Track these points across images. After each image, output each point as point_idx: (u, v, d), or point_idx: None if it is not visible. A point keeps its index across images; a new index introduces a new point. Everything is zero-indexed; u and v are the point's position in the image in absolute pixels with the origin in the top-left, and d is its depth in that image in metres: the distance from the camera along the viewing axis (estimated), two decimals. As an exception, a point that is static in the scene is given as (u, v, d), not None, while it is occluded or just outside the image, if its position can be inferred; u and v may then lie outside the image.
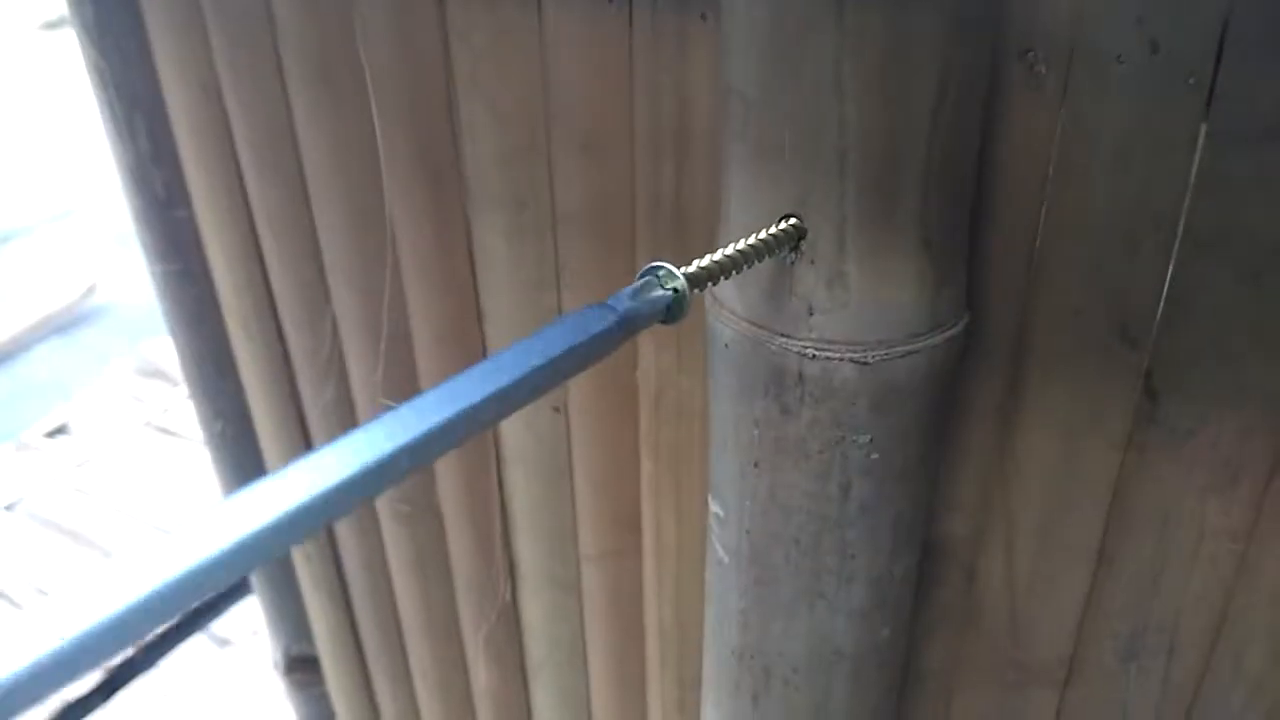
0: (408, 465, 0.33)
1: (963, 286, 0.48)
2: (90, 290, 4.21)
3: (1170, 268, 0.46)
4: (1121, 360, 0.49)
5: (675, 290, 0.39)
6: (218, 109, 0.76)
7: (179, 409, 3.23)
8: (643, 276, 0.40)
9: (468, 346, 0.73)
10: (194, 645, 2.39)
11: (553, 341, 0.37)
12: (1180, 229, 0.45)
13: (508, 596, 0.86)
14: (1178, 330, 0.47)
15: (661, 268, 0.40)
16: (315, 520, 0.31)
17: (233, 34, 0.71)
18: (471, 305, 0.71)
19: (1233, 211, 0.44)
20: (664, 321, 0.40)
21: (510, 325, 0.70)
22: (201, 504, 2.71)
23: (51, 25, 7.25)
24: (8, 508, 2.84)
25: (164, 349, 3.41)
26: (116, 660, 2.32)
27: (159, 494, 2.88)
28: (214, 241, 0.84)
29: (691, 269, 0.40)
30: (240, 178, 0.79)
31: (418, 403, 0.34)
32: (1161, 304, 0.47)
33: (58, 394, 3.51)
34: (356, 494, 0.32)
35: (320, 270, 0.78)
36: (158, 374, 3.49)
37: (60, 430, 3.26)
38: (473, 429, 0.35)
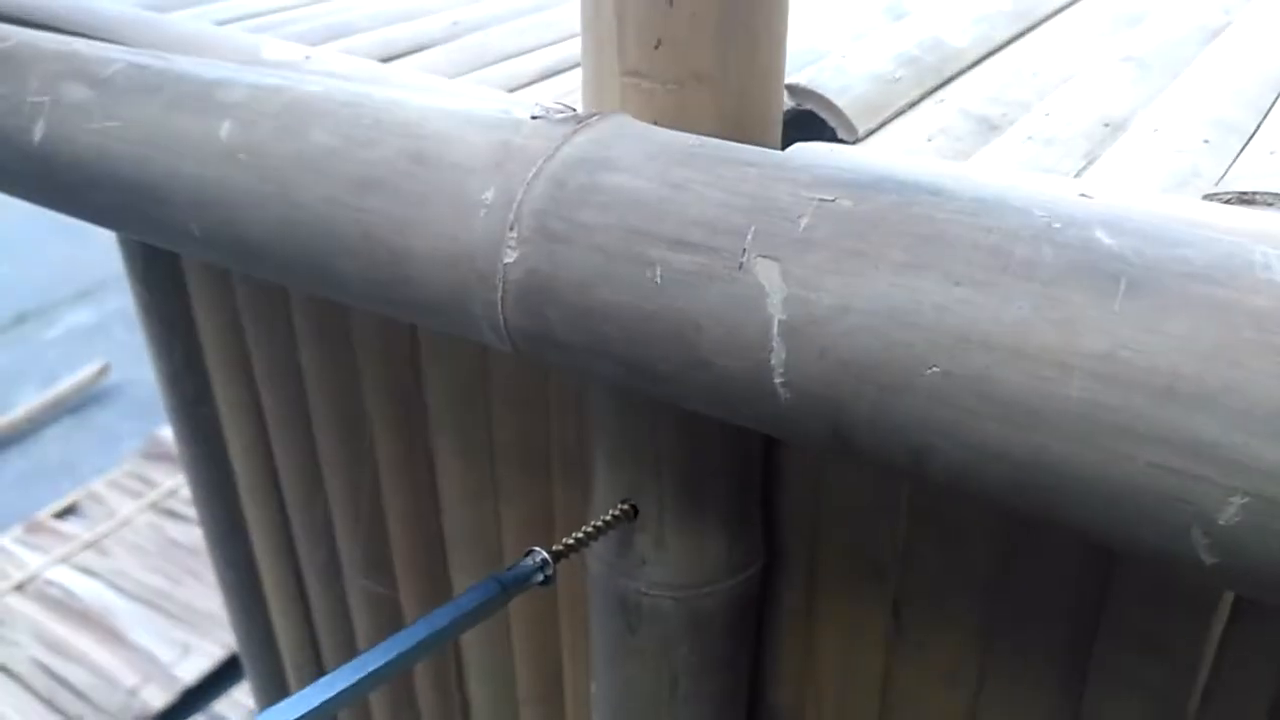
0: (370, 688, 0.53)
1: (757, 543, 0.68)
2: (103, 371, 4.32)
3: (900, 533, 0.67)
4: (876, 591, 0.70)
5: (545, 567, 0.60)
6: (239, 339, 0.98)
7: (185, 492, 3.32)
8: (524, 557, 0.61)
9: (428, 531, 0.94)
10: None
11: (462, 605, 0.57)
12: (903, 508, 0.66)
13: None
14: (910, 574, 0.68)
15: (535, 551, 0.61)
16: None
17: (253, 293, 0.93)
18: (431, 500, 0.92)
19: (935, 498, 0.65)
20: (541, 585, 0.61)
21: (461, 518, 0.91)
22: (202, 586, 2.85)
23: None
24: (18, 587, 2.92)
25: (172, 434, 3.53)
26: (125, 739, 2.46)
27: (164, 574, 2.97)
28: (232, 433, 1.06)
29: (555, 549, 0.61)
30: (255, 390, 1.00)
31: (380, 648, 0.54)
32: (898, 556, 0.68)
33: (69, 475, 3.63)
34: (350, 699, 0.52)
35: (316, 465, 0.99)
36: (166, 457, 3.56)
37: (71, 511, 3.34)
38: (414, 662, 0.55)
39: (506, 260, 0.46)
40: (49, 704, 2.55)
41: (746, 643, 0.72)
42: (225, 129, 0.54)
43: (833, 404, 0.40)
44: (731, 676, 0.71)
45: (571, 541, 0.62)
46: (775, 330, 0.40)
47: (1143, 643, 0.61)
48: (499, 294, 0.47)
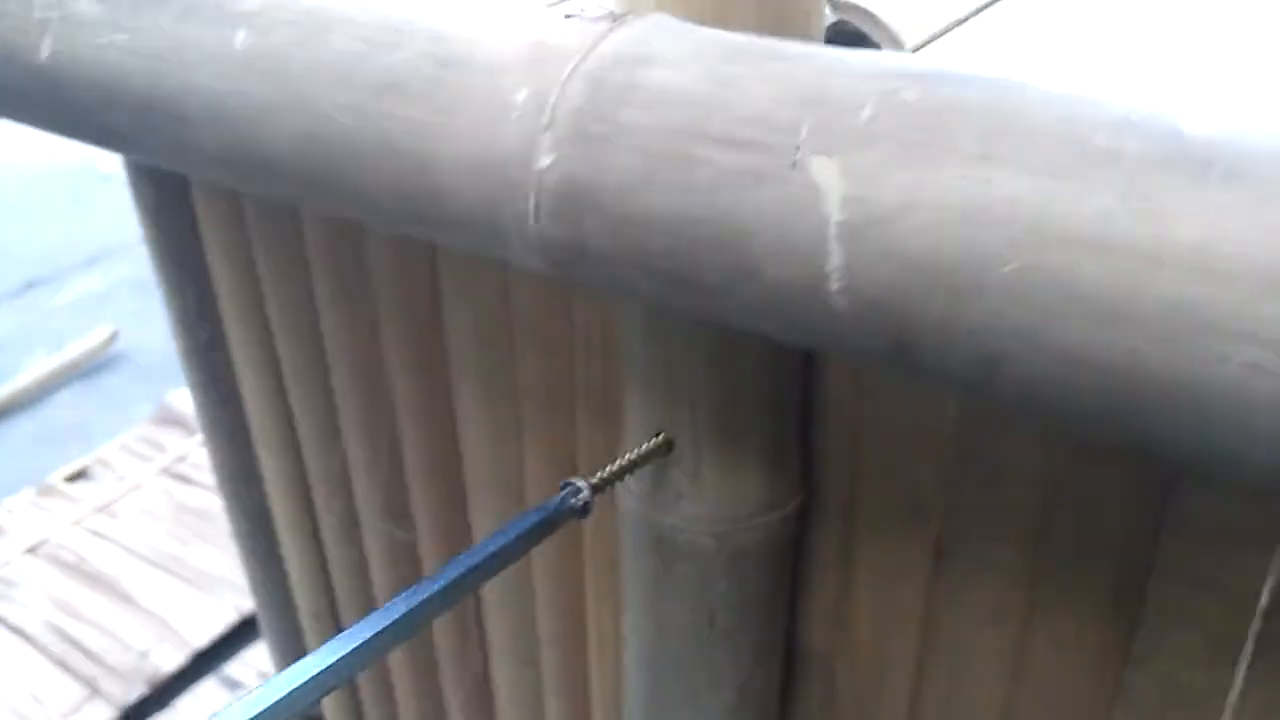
0: (411, 630, 0.51)
1: (794, 477, 0.66)
2: (112, 338, 4.33)
3: (943, 471, 0.64)
4: (917, 530, 0.67)
5: (584, 498, 0.58)
6: (253, 281, 0.95)
7: (195, 457, 3.33)
8: (563, 488, 0.58)
9: (449, 476, 0.92)
10: (205, 687, 2.52)
11: (502, 538, 0.55)
12: (947, 445, 0.64)
13: (480, 669, 1.04)
14: (953, 512, 0.65)
15: (573, 483, 0.58)
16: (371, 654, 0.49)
17: (268, 231, 0.90)
18: (453, 448, 0.90)
19: (981, 435, 0.62)
20: (579, 518, 0.59)
21: (484, 465, 0.89)
22: (213, 550, 2.86)
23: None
24: (30, 550, 2.93)
25: (182, 398, 3.54)
26: (132, 699, 2.46)
27: (175, 538, 2.98)
28: (246, 379, 1.03)
29: (593, 480, 0.59)
30: (270, 333, 0.98)
31: (411, 591, 0.51)
32: (940, 494, 0.65)
33: (79, 439, 3.64)
34: (381, 648, 0.50)
35: (333, 410, 0.97)
36: (176, 422, 3.57)
37: (82, 475, 3.34)
38: (458, 598, 0.53)
39: (541, 165, 0.43)
40: (61, 665, 2.56)
41: (784, 582, 0.70)
42: (240, 38, 0.52)
43: (896, 312, 0.38)
44: (769, 616, 0.69)
45: (608, 474, 0.59)
46: (832, 232, 0.38)
47: (1198, 578, 0.59)
48: (532, 203, 0.44)
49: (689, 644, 0.69)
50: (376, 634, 0.48)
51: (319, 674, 0.47)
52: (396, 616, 0.49)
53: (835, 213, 0.37)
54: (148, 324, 4.37)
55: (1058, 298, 0.35)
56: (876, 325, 0.38)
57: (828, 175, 0.37)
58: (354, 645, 0.48)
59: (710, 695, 0.70)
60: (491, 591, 0.98)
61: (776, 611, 0.71)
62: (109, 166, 4.75)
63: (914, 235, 0.36)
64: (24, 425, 3.84)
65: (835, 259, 0.38)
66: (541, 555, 0.91)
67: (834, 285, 0.38)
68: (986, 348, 0.37)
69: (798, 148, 0.38)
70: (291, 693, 0.45)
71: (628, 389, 0.65)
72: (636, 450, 0.61)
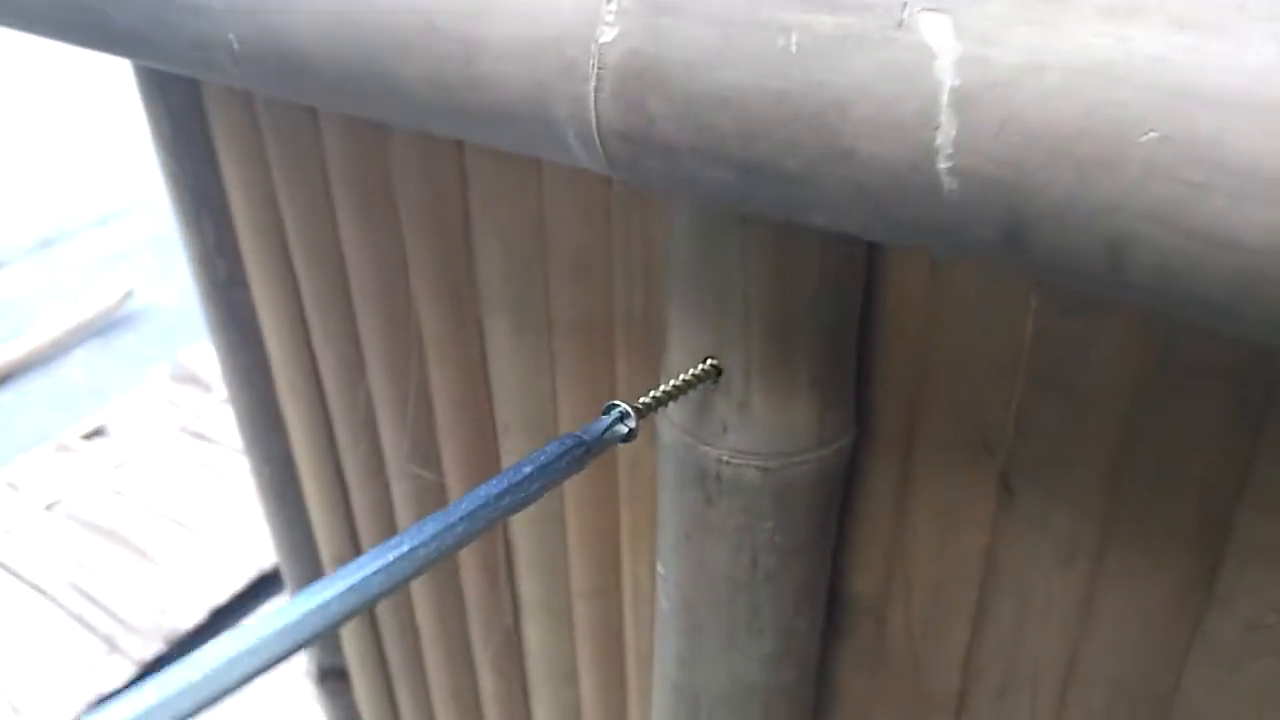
0: (428, 560, 0.47)
1: (849, 411, 0.62)
2: (128, 296, 4.32)
3: (1015, 398, 0.60)
4: (983, 464, 0.63)
5: (628, 420, 0.54)
6: (273, 214, 0.91)
7: (212, 414, 3.33)
8: (606, 411, 0.54)
9: (480, 419, 0.88)
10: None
11: (539, 461, 0.51)
12: (1021, 370, 0.59)
13: (510, 623, 1.00)
14: (1024, 444, 0.61)
15: (618, 405, 0.54)
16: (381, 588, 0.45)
17: (288, 159, 0.86)
18: (483, 386, 0.86)
19: (1060, 357, 0.58)
20: (623, 441, 0.55)
21: (514, 404, 0.85)
22: (231, 508, 2.86)
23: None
24: (47, 507, 2.94)
25: (198, 356, 3.53)
26: (150, 656, 2.46)
27: (192, 496, 2.99)
28: (267, 318, 0.99)
29: (639, 403, 0.55)
30: (291, 269, 0.94)
31: (438, 515, 0.48)
32: (1011, 425, 0.61)
33: (96, 397, 3.65)
34: (404, 574, 0.46)
35: (358, 349, 0.93)
36: (192, 380, 3.58)
37: (98, 433, 3.35)
38: (487, 526, 0.49)
39: (603, 40, 0.39)
40: (80, 621, 2.56)
41: (833, 521, 0.66)
42: (264, -84, 0.47)
43: (1013, 191, 0.33)
44: (815, 558, 0.65)
45: (652, 399, 0.55)
46: (945, 100, 0.33)
47: (1293, 513, 0.54)
48: (591, 85, 0.40)
49: (729, 586, 0.65)
50: (403, 555, 0.44)
51: (337, 596, 0.44)
52: (425, 537, 0.45)
53: (948, 77, 0.33)
54: (163, 282, 4.37)
55: (1205, 168, 0.30)
56: (988, 207, 0.34)
57: (940, 34, 0.33)
58: (379, 564, 0.45)
59: (749, 642, 0.66)
60: (524, 544, 0.94)
61: (823, 554, 0.67)
62: (123, 123, 4.71)
63: (1038, 101, 0.32)
64: (40, 383, 3.85)
65: (946, 131, 0.33)
66: (575, 504, 0.87)
67: (943, 162, 0.34)
68: (1114, 230, 0.32)
69: (904, 5, 0.33)
70: (309, 613, 0.42)
71: (672, 312, 0.60)
72: (684, 374, 0.57)
